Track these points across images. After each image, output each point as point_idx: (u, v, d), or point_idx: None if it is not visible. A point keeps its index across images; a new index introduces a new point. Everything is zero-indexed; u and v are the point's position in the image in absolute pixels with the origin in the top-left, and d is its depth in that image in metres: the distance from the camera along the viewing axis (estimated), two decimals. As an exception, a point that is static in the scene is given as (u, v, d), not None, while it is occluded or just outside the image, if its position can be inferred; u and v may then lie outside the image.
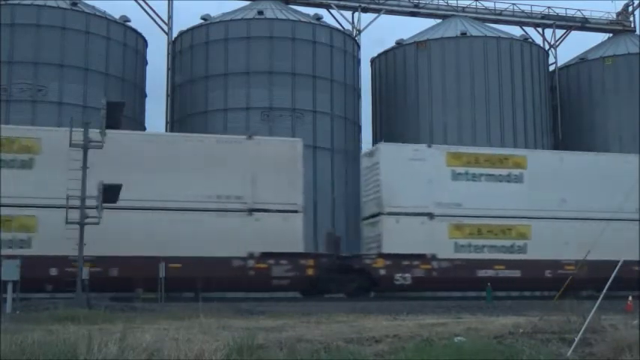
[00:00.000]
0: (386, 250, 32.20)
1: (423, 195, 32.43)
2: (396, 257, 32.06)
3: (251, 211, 30.53)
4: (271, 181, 30.81)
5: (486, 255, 33.18)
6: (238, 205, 30.39)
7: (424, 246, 32.48)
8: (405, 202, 32.23)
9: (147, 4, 48.15)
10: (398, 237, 32.20)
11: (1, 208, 27.47)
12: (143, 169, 29.17)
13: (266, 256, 30.40)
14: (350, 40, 48.15)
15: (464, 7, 53.95)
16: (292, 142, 33.94)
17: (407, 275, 32.09)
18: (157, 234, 28.98)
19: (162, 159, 30.01)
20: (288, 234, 30.61)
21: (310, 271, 30.95)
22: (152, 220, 29.34)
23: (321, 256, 32.60)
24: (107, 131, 25.27)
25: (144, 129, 46.22)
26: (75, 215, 24.91)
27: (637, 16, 62.90)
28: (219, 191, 30.34)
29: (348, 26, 50.92)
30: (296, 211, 31.12)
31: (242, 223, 30.27)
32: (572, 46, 65.95)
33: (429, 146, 35.01)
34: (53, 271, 27.82)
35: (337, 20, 51.19)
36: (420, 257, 32.36)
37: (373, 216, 33.50)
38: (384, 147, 34.72)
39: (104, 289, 28.05)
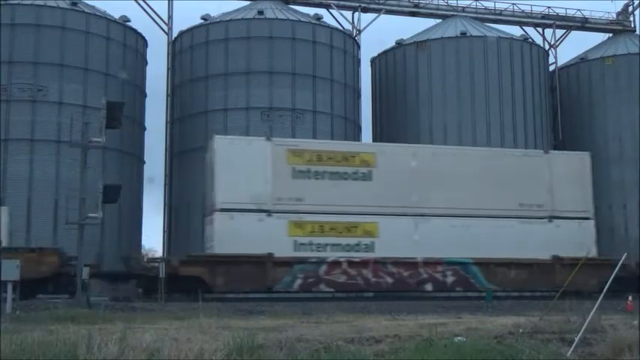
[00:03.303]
0: None
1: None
2: None
3: None
4: None
5: None
6: None
7: None
8: None
9: (147, 4, 48.14)
10: None
11: None
12: None
13: None
14: (350, 40, 48.13)
15: (464, 7, 53.93)
16: None
17: None
18: None
19: None
20: None
21: None
22: None
23: None
24: None
25: (144, 129, 46.24)
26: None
27: (637, 16, 62.97)
28: None
29: (348, 26, 50.94)
30: None
31: None
32: (572, 46, 65.92)
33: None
34: None
35: (337, 20, 51.21)
36: None
37: None
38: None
39: None
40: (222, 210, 30.48)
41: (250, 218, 30.42)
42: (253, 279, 30.10)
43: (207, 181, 32.90)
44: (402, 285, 31.72)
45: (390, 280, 31.58)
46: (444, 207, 32.28)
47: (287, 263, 30.70)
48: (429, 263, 31.96)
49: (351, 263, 31.31)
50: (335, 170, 31.68)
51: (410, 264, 31.60)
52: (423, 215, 31.87)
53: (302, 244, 31.18)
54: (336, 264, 31.21)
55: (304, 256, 31.05)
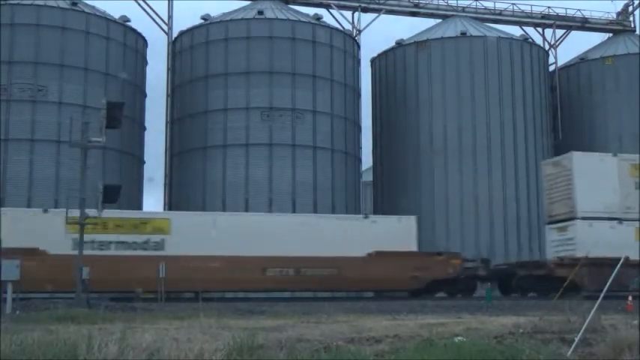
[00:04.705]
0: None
1: None
2: None
3: None
4: None
5: None
6: None
7: None
8: None
9: (147, 4, 48.20)
10: None
11: None
12: None
13: None
14: (350, 40, 48.14)
15: (464, 7, 53.96)
16: None
17: None
18: None
19: None
20: None
21: None
22: None
23: None
24: None
25: (144, 129, 46.27)
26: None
27: (637, 16, 63.02)
28: None
29: (348, 26, 50.96)
30: None
31: None
32: (572, 46, 66.11)
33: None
34: None
35: (337, 20, 51.26)
36: None
37: None
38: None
39: None
40: (583, 218, 33.99)
41: (604, 225, 34.10)
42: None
43: (550, 191, 36.20)
44: None
45: None
46: None
47: (638, 265, 33.62)
48: None
49: None
50: None
51: None
52: None
53: None
54: None
55: None
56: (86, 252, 27.24)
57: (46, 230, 30.22)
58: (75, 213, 25.29)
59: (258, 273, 32.62)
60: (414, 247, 35.49)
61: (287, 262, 33.09)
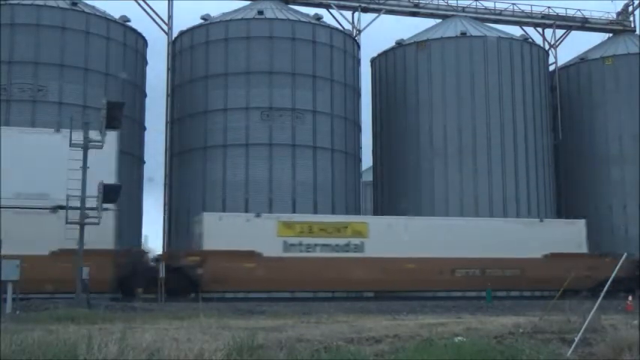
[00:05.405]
0: None
1: None
2: None
3: None
4: None
5: None
6: None
7: None
8: None
9: (147, 4, 48.14)
10: None
11: None
12: None
13: None
14: (350, 40, 48.12)
15: (464, 7, 53.93)
16: None
17: None
18: None
19: None
20: None
21: None
22: None
23: None
24: None
25: (144, 129, 46.26)
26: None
27: (637, 16, 62.91)
28: None
29: (348, 26, 50.92)
30: None
31: None
32: (572, 46, 65.95)
33: None
34: None
35: (337, 20, 51.19)
36: None
37: None
38: None
39: None
40: None
41: None
42: None
43: None
44: None
45: None
46: None
47: None
48: None
49: None
50: None
51: None
52: None
53: None
54: None
55: None
56: (294, 254, 32.25)
57: (259, 233, 32.87)
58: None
59: (448, 274, 35.32)
60: (584, 249, 37.78)
61: (474, 264, 35.65)
